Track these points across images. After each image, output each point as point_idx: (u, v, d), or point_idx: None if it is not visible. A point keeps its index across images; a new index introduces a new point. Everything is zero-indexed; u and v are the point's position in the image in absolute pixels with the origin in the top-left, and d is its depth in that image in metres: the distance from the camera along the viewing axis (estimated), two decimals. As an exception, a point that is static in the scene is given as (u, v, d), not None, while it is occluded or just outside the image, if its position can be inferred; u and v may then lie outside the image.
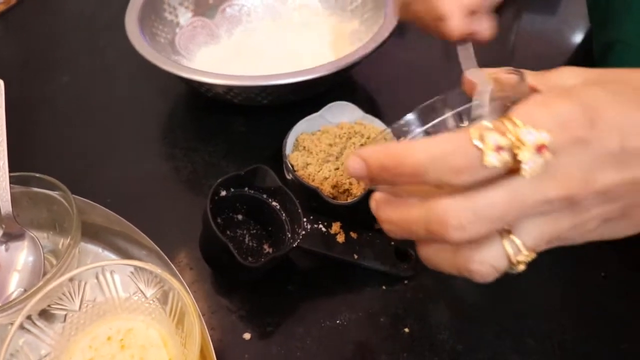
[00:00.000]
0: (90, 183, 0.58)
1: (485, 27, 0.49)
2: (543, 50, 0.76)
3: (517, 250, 0.29)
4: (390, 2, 0.64)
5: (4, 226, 0.49)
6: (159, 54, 0.61)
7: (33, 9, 0.85)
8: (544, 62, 0.71)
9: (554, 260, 0.51)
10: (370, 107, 0.60)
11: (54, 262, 0.50)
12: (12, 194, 0.48)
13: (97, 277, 0.43)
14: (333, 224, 0.50)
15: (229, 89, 0.59)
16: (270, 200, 0.50)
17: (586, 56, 0.69)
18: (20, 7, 0.85)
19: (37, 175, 0.49)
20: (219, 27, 0.75)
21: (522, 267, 0.30)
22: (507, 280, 0.49)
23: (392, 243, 0.51)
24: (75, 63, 0.75)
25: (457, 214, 0.27)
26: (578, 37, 0.78)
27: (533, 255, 0.29)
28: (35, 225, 0.51)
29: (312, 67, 0.57)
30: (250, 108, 0.64)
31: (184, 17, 0.72)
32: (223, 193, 0.49)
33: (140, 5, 0.66)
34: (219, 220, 0.50)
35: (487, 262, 0.29)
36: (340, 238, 0.49)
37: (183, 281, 0.45)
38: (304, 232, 0.48)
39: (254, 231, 0.52)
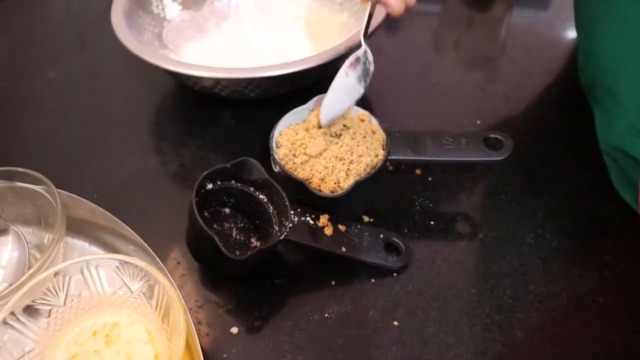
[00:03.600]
0: (76, 178, 0.57)
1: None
2: (534, 44, 0.75)
3: None
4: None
5: (-13, 222, 0.48)
6: (146, 47, 0.60)
7: (19, 4, 0.84)
8: (534, 56, 0.72)
9: (546, 252, 0.51)
10: (360, 99, 0.59)
11: (38, 256, 0.49)
12: (-5, 189, 0.48)
13: (82, 272, 0.43)
14: (321, 216, 0.49)
15: (216, 81, 0.58)
16: (257, 193, 0.50)
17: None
18: (6, 1, 0.84)
19: (21, 170, 0.48)
20: (207, 20, 0.74)
21: None
22: (497, 273, 0.49)
23: (382, 236, 0.50)
24: (62, 58, 0.74)
25: None
26: (571, 32, 0.77)
27: None
28: (20, 221, 0.50)
29: (299, 59, 0.57)
30: (238, 101, 0.64)
31: (172, 10, 0.71)
32: (209, 186, 0.49)
33: (126, -1, 0.65)
34: (205, 214, 0.50)
35: None
36: (328, 231, 0.49)
37: (169, 275, 0.45)
38: (291, 225, 0.47)
39: (242, 225, 0.51)
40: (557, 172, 0.58)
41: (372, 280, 0.49)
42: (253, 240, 0.50)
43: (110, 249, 0.51)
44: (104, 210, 0.50)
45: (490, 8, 0.83)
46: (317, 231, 0.49)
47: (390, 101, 0.66)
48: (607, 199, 0.55)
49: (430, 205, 0.55)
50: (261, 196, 0.50)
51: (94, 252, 0.51)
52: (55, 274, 0.42)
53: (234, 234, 0.51)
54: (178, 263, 0.51)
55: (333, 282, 0.49)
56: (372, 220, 0.54)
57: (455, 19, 0.82)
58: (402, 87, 0.69)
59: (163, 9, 0.70)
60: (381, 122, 0.53)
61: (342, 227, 0.49)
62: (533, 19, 0.82)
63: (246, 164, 0.49)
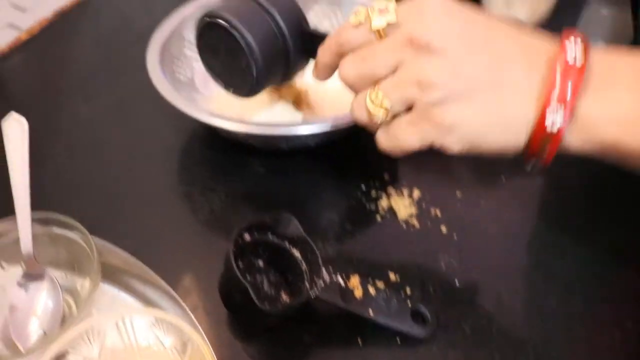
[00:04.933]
0: (107, 222, 0.58)
1: None
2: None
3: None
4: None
5: (24, 266, 0.49)
6: (179, 92, 0.61)
7: (54, 39, 0.85)
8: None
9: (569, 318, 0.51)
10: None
11: (71, 302, 0.50)
12: (32, 234, 0.48)
13: (117, 325, 0.43)
14: (352, 277, 0.50)
15: (249, 135, 0.59)
16: (292, 248, 0.51)
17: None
18: (42, 36, 0.85)
19: (58, 216, 0.49)
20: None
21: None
22: (519, 338, 0.50)
23: (409, 304, 0.51)
24: (94, 95, 0.75)
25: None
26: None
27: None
28: (54, 264, 0.51)
29: (336, 114, 0.57)
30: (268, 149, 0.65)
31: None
32: (247, 237, 0.50)
33: (162, 42, 0.66)
34: (239, 264, 0.51)
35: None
36: (358, 293, 0.49)
37: (201, 331, 0.45)
38: (322, 284, 0.48)
39: (273, 278, 0.52)
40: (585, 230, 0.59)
41: (399, 343, 0.50)
42: (283, 294, 0.51)
43: (141, 296, 0.51)
44: (137, 260, 0.50)
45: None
46: (347, 292, 0.49)
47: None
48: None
49: (456, 264, 0.56)
50: (295, 252, 0.50)
51: (123, 300, 0.51)
52: (91, 327, 0.42)
53: (265, 286, 0.51)
54: (208, 313, 0.52)
55: (360, 341, 0.50)
56: (398, 277, 0.54)
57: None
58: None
59: (196, 52, 0.71)
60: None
61: (372, 290, 0.50)
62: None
63: (283, 219, 0.50)
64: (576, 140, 0.41)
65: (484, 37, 0.42)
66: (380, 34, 0.44)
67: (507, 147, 0.42)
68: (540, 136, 0.40)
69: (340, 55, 0.47)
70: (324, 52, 0.49)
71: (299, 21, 0.54)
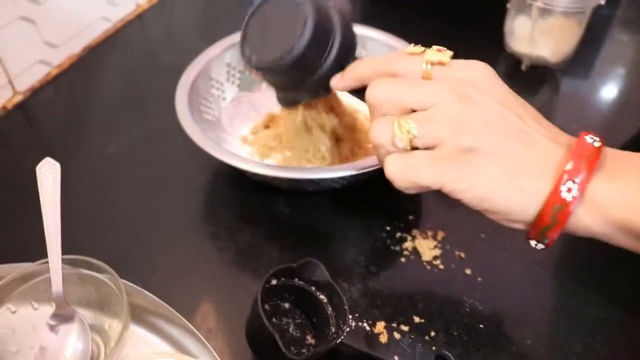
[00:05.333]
0: (132, 260, 0.59)
1: None
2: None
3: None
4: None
5: (54, 306, 0.49)
6: (205, 133, 0.62)
7: (85, 73, 0.87)
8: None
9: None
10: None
11: (99, 341, 0.50)
12: (62, 275, 0.49)
13: (146, 368, 0.44)
14: (377, 323, 0.50)
15: (274, 177, 0.59)
16: (318, 293, 0.51)
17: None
18: (73, 70, 0.87)
19: (89, 259, 0.50)
20: (261, 100, 0.76)
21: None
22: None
23: (434, 348, 0.51)
24: (121, 130, 0.77)
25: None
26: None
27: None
28: (82, 304, 0.51)
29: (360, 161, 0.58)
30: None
31: (230, 92, 0.74)
32: (274, 282, 0.50)
33: (190, 81, 0.67)
34: (266, 307, 0.51)
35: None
36: (383, 338, 0.50)
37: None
38: (348, 329, 0.48)
39: (299, 321, 0.52)
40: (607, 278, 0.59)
41: (424, 387, 0.50)
42: (308, 337, 0.51)
43: (167, 337, 0.52)
44: (165, 304, 0.51)
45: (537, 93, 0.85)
46: (372, 338, 0.50)
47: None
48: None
49: (480, 307, 0.56)
50: (321, 296, 0.51)
51: (149, 340, 0.52)
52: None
53: (290, 329, 0.52)
54: (234, 356, 0.52)
55: (385, 385, 0.50)
56: (422, 320, 0.54)
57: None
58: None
59: (223, 92, 0.73)
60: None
61: (397, 335, 0.50)
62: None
63: (310, 265, 0.51)
64: (585, 216, 0.42)
65: (517, 110, 0.44)
66: (427, 74, 0.46)
67: (515, 212, 0.43)
68: (550, 206, 0.41)
69: (378, 74, 0.49)
70: (365, 64, 0.51)
71: (351, 46, 0.55)
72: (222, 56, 0.73)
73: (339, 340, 0.48)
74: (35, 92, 0.82)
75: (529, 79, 0.86)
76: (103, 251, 0.52)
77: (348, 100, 0.65)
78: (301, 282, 0.51)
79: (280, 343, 0.44)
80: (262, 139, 0.69)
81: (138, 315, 0.53)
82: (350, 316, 0.49)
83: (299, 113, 0.61)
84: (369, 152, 0.66)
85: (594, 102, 0.83)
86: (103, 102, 0.82)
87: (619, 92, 0.85)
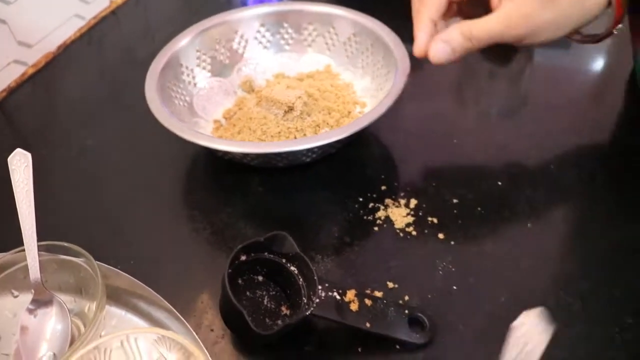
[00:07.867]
0: (112, 247, 0.60)
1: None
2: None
3: None
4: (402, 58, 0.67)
5: (33, 292, 0.51)
6: (176, 117, 0.63)
7: (60, 71, 0.89)
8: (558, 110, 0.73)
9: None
10: (385, 161, 0.61)
11: (80, 324, 0.52)
12: (40, 262, 0.50)
13: (122, 344, 0.45)
14: (347, 291, 0.51)
15: (244, 154, 0.61)
16: (288, 265, 0.52)
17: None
18: (49, 68, 0.88)
19: (64, 244, 0.51)
20: (234, 85, 0.77)
21: None
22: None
23: (407, 311, 0.52)
24: (98, 124, 0.78)
25: None
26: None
27: None
28: (62, 290, 0.53)
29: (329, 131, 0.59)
30: (266, 168, 0.67)
31: (202, 78, 0.75)
32: (243, 257, 0.51)
33: (159, 70, 0.68)
34: (240, 281, 0.52)
35: None
36: (354, 306, 0.50)
37: (203, 348, 0.47)
38: (318, 300, 0.49)
39: (273, 292, 0.53)
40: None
41: (397, 347, 0.51)
42: (283, 308, 0.52)
43: (146, 317, 0.53)
44: (141, 283, 0.52)
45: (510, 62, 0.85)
46: (343, 306, 0.50)
47: (415, 160, 0.68)
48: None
49: (453, 269, 0.57)
50: (292, 268, 0.52)
51: (130, 320, 0.53)
52: (97, 346, 0.44)
53: (265, 301, 0.53)
54: (211, 330, 0.53)
55: (360, 349, 0.51)
56: (396, 285, 0.55)
57: (476, 73, 0.84)
58: (425, 144, 0.71)
59: (194, 78, 0.74)
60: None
61: (368, 302, 0.51)
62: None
63: (278, 238, 0.52)
64: None
65: None
66: None
67: None
68: None
69: None
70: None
71: None
72: (192, 43, 0.74)
73: (309, 312, 0.49)
74: (12, 92, 0.83)
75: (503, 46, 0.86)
76: (84, 239, 0.54)
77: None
78: (271, 256, 0.52)
79: (248, 319, 0.46)
80: (233, 121, 0.70)
81: (118, 297, 0.54)
82: (320, 287, 0.50)
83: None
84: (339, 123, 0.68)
85: (570, 72, 0.83)
86: (80, 98, 0.84)
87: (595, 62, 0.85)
